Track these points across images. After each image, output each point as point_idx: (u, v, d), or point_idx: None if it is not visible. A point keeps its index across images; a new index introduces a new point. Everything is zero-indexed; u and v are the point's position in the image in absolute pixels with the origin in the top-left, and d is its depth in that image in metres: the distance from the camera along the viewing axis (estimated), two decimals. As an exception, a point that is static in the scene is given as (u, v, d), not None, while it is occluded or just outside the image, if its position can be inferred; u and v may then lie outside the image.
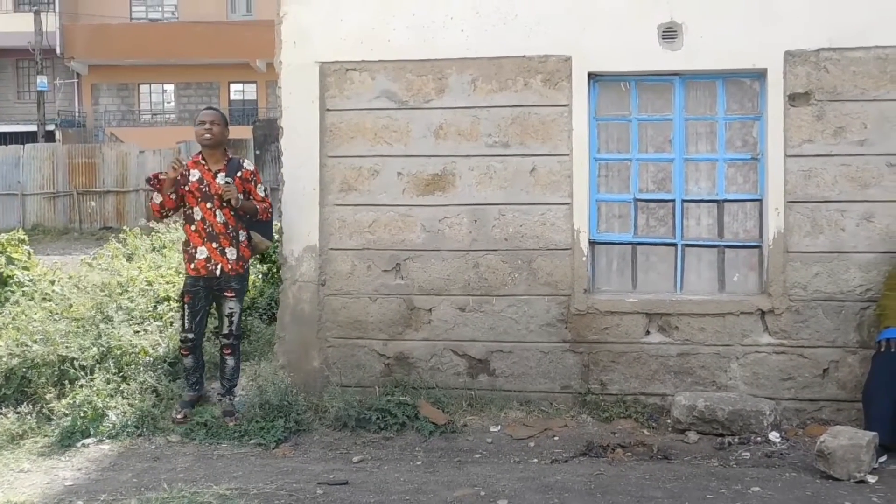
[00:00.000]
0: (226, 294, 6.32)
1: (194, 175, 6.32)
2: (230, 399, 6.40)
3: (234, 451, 5.86)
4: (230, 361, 6.42)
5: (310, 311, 6.67)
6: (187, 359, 6.40)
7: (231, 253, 6.29)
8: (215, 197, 6.26)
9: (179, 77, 36.61)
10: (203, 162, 6.37)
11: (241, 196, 6.27)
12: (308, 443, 5.99)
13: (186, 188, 6.29)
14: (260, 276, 9.13)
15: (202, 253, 6.26)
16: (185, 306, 6.33)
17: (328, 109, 6.67)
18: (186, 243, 6.37)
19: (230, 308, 6.35)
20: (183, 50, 34.07)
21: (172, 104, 37.76)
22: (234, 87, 37.29)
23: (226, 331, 6.38)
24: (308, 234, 6.66)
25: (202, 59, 34.66)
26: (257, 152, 23.31)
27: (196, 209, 6.28)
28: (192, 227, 6.31)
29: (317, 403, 6.37)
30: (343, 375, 6.56)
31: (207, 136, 6.31)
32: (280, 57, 6.71)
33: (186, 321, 6.33)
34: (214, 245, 6.26)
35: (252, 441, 5.97)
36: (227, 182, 6.26)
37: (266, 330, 7.92)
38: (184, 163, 6.34)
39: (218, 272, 6.27)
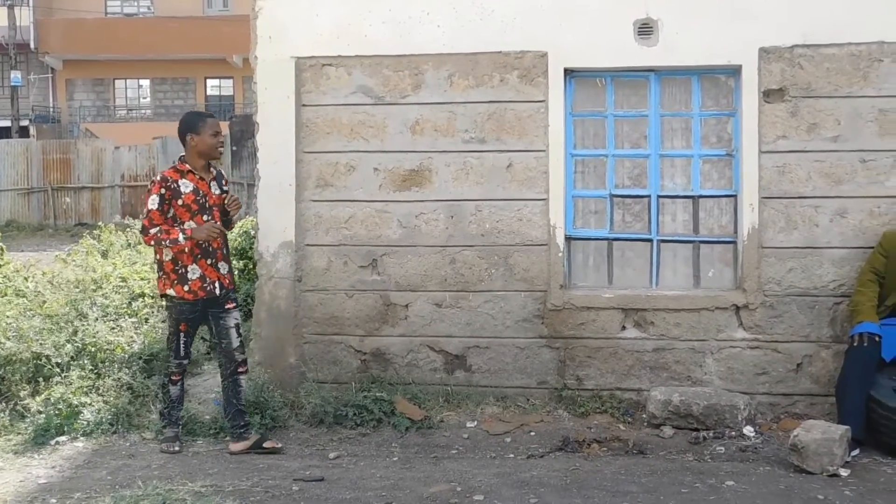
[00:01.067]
0: (227, 307, 5.81)
1: (187, 186, 5.63)
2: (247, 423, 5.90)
3: (210, 448, 5.83)
4: (244, 381, 5.92)
5: (286, 308, 6.65)
6: (176, 387, 5.79)
7: (223, 267, 5.77)
8: (214, 209, 5.73)
9: (155, 72, 36.37)
10: (195, 171, 5.70)
11: None
12: (284, 439, 5.97)
13: (180, 202, 5.60)
14: (236, 273, 9.08)
15: (194, 272, 5.62)
16: (181, 335, 5.72)
17: (304, 105, 6.64)
18: (174, 262, 5.62)
19: (235, 319, 5.85)
20: (159, 45, 33.84)
21: (148, 99, 37.53)
22: (210, 82, 37.10)
23: (236, 343, 5.82)
24: (284, 230, 6.63)
25: (178, 55, 34.44)
26: (234, 148, 23.21)
27: (190, 223, 5.61)
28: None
29: (293, 400, 6.35)
30: (319, 372, 6.54)
31: (221, 149, 5.78)
32: (255, 52, 6.68)
33: (182, 349, 5.75)
34: (208, 262, 5.66)
35: (227, 437, 5.93)
36: (225, 192, 5.81)
37: (242, 326, 7.87)
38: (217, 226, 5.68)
39: (217, 290, 5.71)
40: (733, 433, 5.83)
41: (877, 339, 5.65)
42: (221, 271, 5.77)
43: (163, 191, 5.60)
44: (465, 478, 5.12)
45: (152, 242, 5.63)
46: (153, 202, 5.59)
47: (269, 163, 6.67)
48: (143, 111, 37.32)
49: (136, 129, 32.83)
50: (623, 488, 4.88)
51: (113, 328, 7.10)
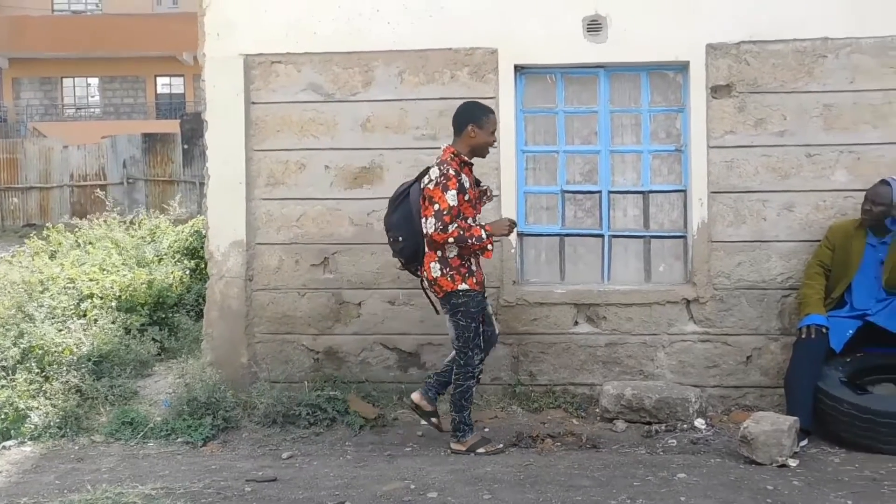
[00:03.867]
0: (485, 295, 5.67)
1: (466, 181, 5.41)
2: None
3: (161, 450, 5.77)
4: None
5: (237, 307, 6.59)
6: (478, 384, 5.75)
7: (481, 261, 5.65)
8: (477, 203, 5.59)
9: (104, 70, 35.80)
10: (470, 165, 5.53)
11: None
12: (237, 440, 5.93)
13: (466, 197, 5.38)
14: (187, 272, 8.99)
15: (475, 265, 5.50)
16: (479, 327, 5.56)
17: (253, 102, 6.59)
18: (460, 257, 5.42)
19: (491, 308, 5.84)
20: (107, 43, 33.31)
21: (97, 98, 36.97)
22: (160, 80, 36.62)
23: (498, 330, 5.89)
24: (234, 228, 6.58)
25: (127, 53, 33.94)
26: (185, 147, 22.99)
27: (470, 220, 5.44)
28: None
29: (245, 400, 6.29)
30: (272, 371, 6.49)
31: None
32: (203, 49, 6.61)
33: (482, 343, 5.62)
34: (480, 257, 5.58)
35: (179, 439, 5.89)
36: (479, 183, 5.66)
37: (193, 326, 7.81)
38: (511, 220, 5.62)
39: (485, 286, 5.65)
40: (685, 426, 5.89)
41: (824, 330, 5.74)
42: (483, 267, 5.68)
43: (458, 185, 5.33)
44: (419, 475, 5.11)
45: (451, 240, 5.30)
46: (452, 198, 5.29)
47: (218, 161, 6.60)
48: (91, 110, 36.74)
49: (85, 127, 32.24)
50: (576, 482, 4.90)
51: (61, 330, 6.98)
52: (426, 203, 5.37)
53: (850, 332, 5.76)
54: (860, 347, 5.81)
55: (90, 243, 10.41)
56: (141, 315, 7.77)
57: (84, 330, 7.10)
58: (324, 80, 6.56)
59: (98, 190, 18.72)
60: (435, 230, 5.29)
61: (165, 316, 8.05)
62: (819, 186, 6.24)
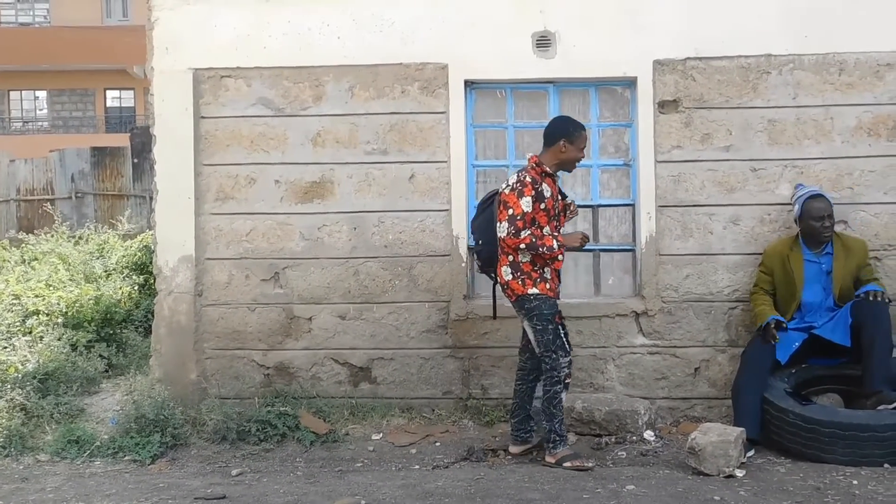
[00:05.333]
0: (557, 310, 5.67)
1: (547, 191, 5.49)
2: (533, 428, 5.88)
3: (108, 469, 5.70)
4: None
5: (186, 323, 6.53)
6: (567, 392, 5.64)
7: (560, 276, 5.69)
8: (560, 215, 5.65)
9: (52, 83, 35.30)
10: (553, 176, 5.59)
11: None
12: (185, 457, 5.87)
13: (542, 206, 5.46)
14: (136, 288, 8.90)
15: (548, 273, 5.53)
16: (560, 329, 5.56)
17: (203, 117, 6.55)
18: (532, 263, 5.46)
19: (566, 327, 5.76)
20: (55, 55, 32.85)
21: (45, 111, 36.44)
22: (110, 93, 36.18)
23: (570, 348, 5.73)
24: (183, 243, 6.53)
25: (76, 65, 33.51)
26: (135, 160, 22.69)
27: (546, 228, 5.51)
28: None
29: (195, 417, 6.23)
30: (222, 387, 6.44)
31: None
32: (152, 63, 6.57)
33: (567, 344, 5.59)
34: (554, 267, 5.58)
35: (127, 457, 5.82)
36: (565, 197, 5.76)
37: (142, 342, 7.72)
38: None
39: (559, 296, 5.66)
40: (634, 438, 5.94)
41: (784, 325, 5.82)
42: (560, 280, 5.71)
43: (534, 193, 5.43)
44: (370, 490, 5.09)
45: (522, 245, 5.39)
46: (527, 204, 5.40)
47: (167, 176, 6.55)
48: (39, 123, 36.20)
49: (33, 141, 31.76)
50: (526, 496, 4.92)
51: (5, 347, 6.87)
52: (501, 208, 5.49)
53: (797, 344, 5.85)
54: (805, 359, 5.91)
55: (35, 259, 10.28)
56: (88, 331, 7.67)
57: (29, 347, 7.01)
58: (274, 94, 6.55)
59: (46, 204, 18.47)
60: (507, 234, 5.42)
61: (113, 332, 7.96)
62: (764, 200, 6.34)
